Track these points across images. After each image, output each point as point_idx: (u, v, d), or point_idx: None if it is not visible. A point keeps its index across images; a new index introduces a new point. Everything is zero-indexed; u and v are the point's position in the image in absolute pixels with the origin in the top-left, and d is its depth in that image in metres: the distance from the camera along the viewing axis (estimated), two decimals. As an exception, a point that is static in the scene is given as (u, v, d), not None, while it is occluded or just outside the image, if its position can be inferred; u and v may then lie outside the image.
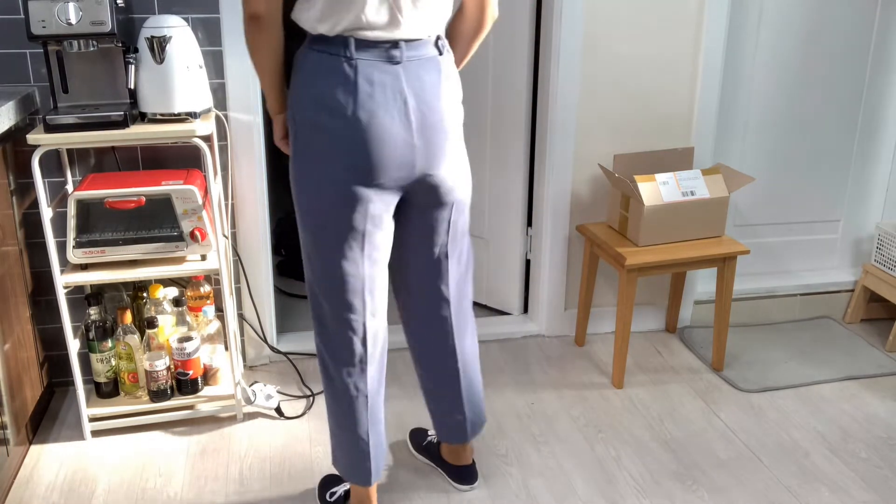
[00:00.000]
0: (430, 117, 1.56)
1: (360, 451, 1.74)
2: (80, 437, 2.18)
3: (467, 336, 1.86)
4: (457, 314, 1.81)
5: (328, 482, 1.94)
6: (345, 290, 1.63)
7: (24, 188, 2.17)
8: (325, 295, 1.65)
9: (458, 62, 1.71)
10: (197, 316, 2.29)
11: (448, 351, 1.84)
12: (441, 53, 1.59)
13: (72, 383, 2.38)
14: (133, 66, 1.98)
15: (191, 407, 2.26)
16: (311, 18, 1.50)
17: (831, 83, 2.73)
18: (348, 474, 1.79)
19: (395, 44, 1.51)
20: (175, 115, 2.00)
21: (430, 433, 2.11)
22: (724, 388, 2.45)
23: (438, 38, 1.59)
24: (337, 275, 1.62)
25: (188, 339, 2.21)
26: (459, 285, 1.80)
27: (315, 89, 1.51)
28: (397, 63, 1.52)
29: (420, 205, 1.68)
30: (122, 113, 1.94)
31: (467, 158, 1.70)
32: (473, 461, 2.01)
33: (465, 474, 1.99)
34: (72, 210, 2.01)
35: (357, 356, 1.68)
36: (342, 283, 1.62)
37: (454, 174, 1.67)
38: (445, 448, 2.01)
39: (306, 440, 2.18)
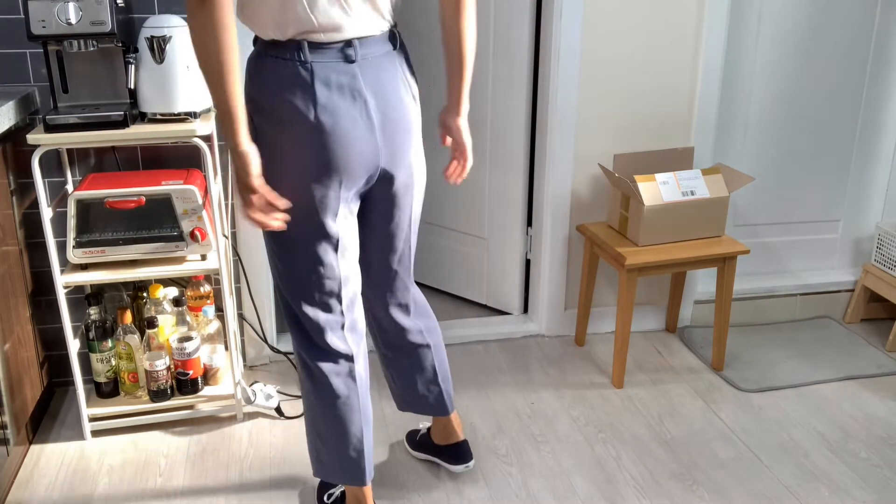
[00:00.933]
0: (390, 115, 1.56)
1: (353, 451, 1.74)
2: (80, 436, 2.19)
3: (427, 311, 1.92)
4: (412, 293, 1.87)
5: (326, 483, 1.94)
6: (323, 293, 1.64)
7: (24, 188, 2.17)
8: (302, 299, 1.65)
9: (456, 47, 1.64)
10: (197, 316, 2.29)
11: (415, 328, 1.88)
12: (395, 47, 1.58)
13: (72, 383, 2.38)
14: (133, 66, 1.98)
15: (191, 407, 2.26)
16: (261, 23, 1.47)
17: (831, 83, 2.73)
18: (343, 477, 1.78)
19: (348, 43, 1.50)
20: (175, 114, 2.00)
21: (420, 426, 2.14)
22: (724, 388, 2.45)
23: (392, 31, 1.57)
24: (312, 280, 1.62)
25: (188, 338, 2.21)
26: (410, 270, 1.84)
27: (274, 96, 1.49)
28: (353, 62, 1.50)
29: (381, 200, 1.68)
30: (122, 113, 1.94)
31: (423, 153, 1.72)
32: (466, 440, 2.03)
33: (459, 453, 2.02)
34: (72, 210, 2.01)
35: (343, 355, 1.69)
36: (320, 287, 1.63)
37: (414, 170, 1.68)
38: (436, 432, 2.04)
39: (306, 440, 2.18)
